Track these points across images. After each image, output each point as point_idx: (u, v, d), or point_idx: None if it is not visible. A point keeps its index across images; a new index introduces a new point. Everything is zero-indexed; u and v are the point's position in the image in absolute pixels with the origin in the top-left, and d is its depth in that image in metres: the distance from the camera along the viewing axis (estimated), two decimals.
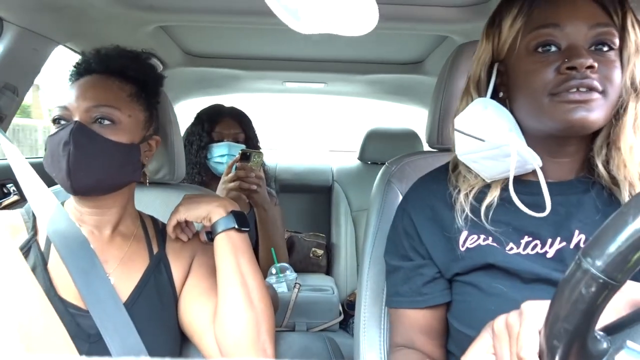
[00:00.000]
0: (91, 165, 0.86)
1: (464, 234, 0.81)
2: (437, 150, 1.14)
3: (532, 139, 0.77)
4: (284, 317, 1.71)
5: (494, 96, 0.81)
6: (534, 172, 0.75)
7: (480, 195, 0.81)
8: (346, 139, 3.57)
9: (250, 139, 1.89)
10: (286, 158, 2.72)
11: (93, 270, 0.87)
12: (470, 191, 0.81)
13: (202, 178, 1.86)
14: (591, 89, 0.69)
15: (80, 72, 0.95)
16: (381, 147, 2.49)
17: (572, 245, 0.75)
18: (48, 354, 0.80)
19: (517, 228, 0.78)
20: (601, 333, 0.46)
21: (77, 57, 1.01)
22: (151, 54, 1.04)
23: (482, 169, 0.79)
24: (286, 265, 1.78)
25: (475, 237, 0.80)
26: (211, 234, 0.95)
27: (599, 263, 0.41)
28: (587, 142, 0.78)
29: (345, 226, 2.38)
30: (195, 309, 0.94)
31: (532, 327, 0.51)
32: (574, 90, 0.69)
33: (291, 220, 2.29)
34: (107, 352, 0.83)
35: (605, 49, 0.72)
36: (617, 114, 0.73)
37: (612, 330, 0.47)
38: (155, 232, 1.01)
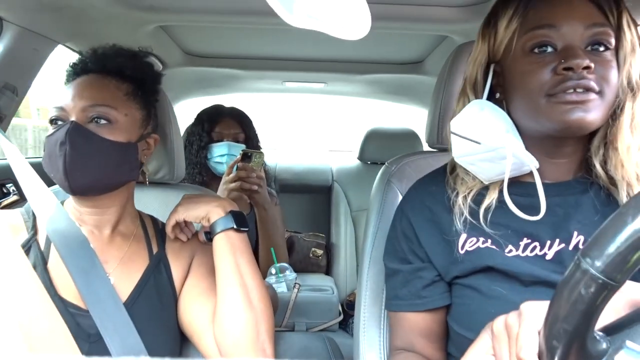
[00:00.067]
0: (88, 164, 0.86)
1: (463, 236, 0.80)
2: (436, 150, 1.14)
3: (529, 140, 0.77)
4: (283, 317, 1.70)
5: (491, 97, 0.81)
6: (531, 173, 0.75)
7: (479, 198, 0.80)
8: (346, 139, 3.56)
9: (250, 139, 1.89)
10: (286, 158, 2.72)
11: (93, 270, 0.87)
12: (469, 194, 0.81)
13: (203, 178, 1.86)
14: (588, 89, 0.69)
15: (77, 71, 0.95)
16: (381, 147, 2.49)
17: (571, 247, 0.75)
18: (50, 353, 0.80)
19: (516, 230, 0.78)
20: (600, 333, 0.46)
21: (75, 57, 1.01)
22: (149, 52, 1.04)
23: (479, 171, 0.79)
24: (286, 265, 1.78)
25: (474, 239, 0.80)
26: (210, 234, 0.95)
27: (598, 263, 0.41)
28: (584, 143, 0.78)
29: (344, 226, 2.38)
30: (194, 309, 0.94)
31: (532, 327, 0.51)
32: (571, 91, 0.69)
33: (291, 220, 2.29)
34: (107, 352, 0.83)
35: (602, 49, 0.72)
36: (614, 114, 0.73)
37: (612, 330, 0.47)
38: (154, 232, 1.01)
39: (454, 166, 0.86)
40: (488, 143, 0.74)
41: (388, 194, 1.08)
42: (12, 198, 1.47)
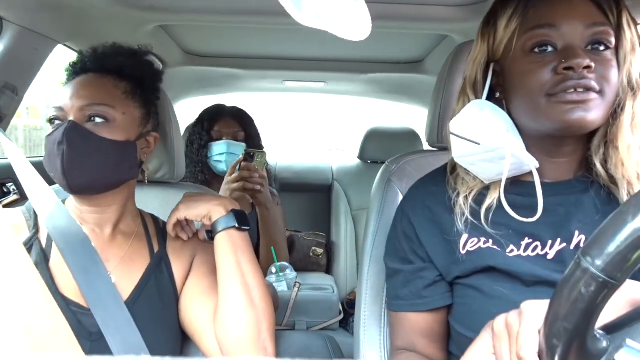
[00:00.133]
0: (85, 163, 0.86)
1: (464, 237, 0.80)
2: (437, 149, 1.14)
3: (530, 140, 0.77)
4: (284, 316, 1.71)
5: (491, 97, 0.80)
6: (531, 172, 0.75)
7: (480, 198, 0.80)
8: (346, 138, 3.57)
9: (250, 138, 1.89)
10: (286, 157, 2.72)
11: (94, 269, 0.87)
12: (470, 194, 0.81)
13: (205, 176, 1.87)
14: (588, 89, 0.69)
15: (76, 71, 0.95)
16: (381, 146, 2.49)
17: (572, 246, 0.75)
18: (52, 352, 0.80)
19: (517, 230, 0.77)
20: (601, 332, 0.46)
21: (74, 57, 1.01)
22: (148, 51, 1.04)
23: (479, 171, 0.79)
24: (286, 264, 1.78)
25: (476, 240, 0.79)
26: (212, 233, 0.95)
27: (598, 262, 0.41)
28: (584, 142, 0.78)
29: (345, 225, 2.39)
30: (195, 308, 0.94)
31: (532, 326, 0.51)
32: (572, 90, 0.69)
33: (291, 219, 2.29)
34: (108, 351, 0.83)
35: (602, 48, 0.72)
36: (615, 113, 0.73)
37: (612, 329, 0.47)
38: (156, 230, 1.02)
39: (454, 166, 0.86)
40: (487, 144, 0.74)
41: (388, 193, 1.08)
42: (13, 197, 1.48)
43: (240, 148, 1.83)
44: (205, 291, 0.95)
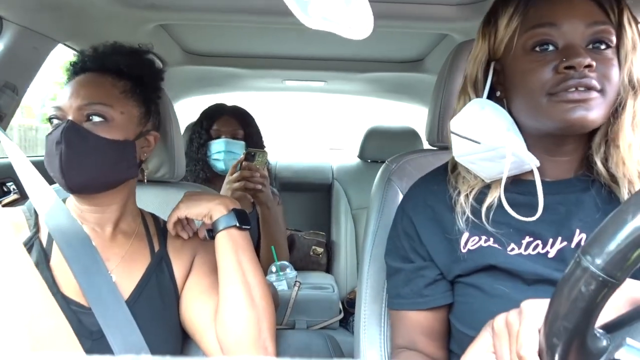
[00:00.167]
0: (83, 163, 0.86)
1: (465, 235, 0.80)
2: (437, 148, 1.14)
3: (530, 138, 0.77)
4: (284, 315, 1.71)
5: (491, 95, 0.80)
6: (532, 171, 0.75)
7: (480, 196, 0.80)
8: (346, 138, 3.57)
9: (250, 136, 1.89)
10: (286, 156, 2.72)
11: (95, 268, 0.87)
12: (470, 192, 0.81)
13: (206, 175, 1.87)
14: (590, 88, 0.69)
15: (76, 70, 0.95)
16: (381, 146, 2.49)
17: (573, 245, 0.75)
18: (53, 351, 0.80)
19: (518, 228, 0.78)
20: (601, 331, 0.46)
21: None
22: (149, 50, 1.04)
23: (480, 170, 0.79)
24: (286, 263, 1.78)
25: (477, 238, 0.80)
26: (212, 232, 0.95)
27: (598, 261, 0.41)
28: (585, 141, 0.78)
29: (345, 224, 2.39)
30: (196, 307, 0.95)
31: (532, 325, 0.51)
32: (573, 89, 0.69)
33: (291, 219, 2.30)
34: (109, 350, 0.83)
35: (603, 47, 0.72)
36: (616, 112, 0.73)
37: (612, 328, 0.47)
38: (156, 229, 1.02)
39: (455, 165, 0.86)
40: (488, 142, 0.74)
41: (388, 192, 1.08)
42: (13, 196, 1.48)
43: (239, 147, 1.83)
44: (206, 290, 0.95)
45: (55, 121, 0.89)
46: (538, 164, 0.74)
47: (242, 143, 1.84)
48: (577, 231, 0.75)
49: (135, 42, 1.04)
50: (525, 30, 0.74)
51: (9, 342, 0.78)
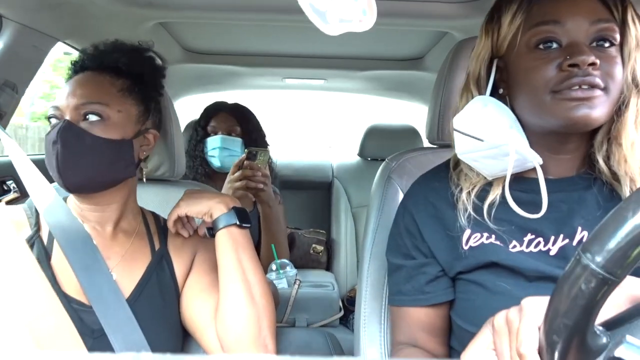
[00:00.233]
0: (80, 163, 0.86)
1: (467, 232, 0.81)
2: (437, 146, 1.14)
3: (533, 136, 0.77)
4: (284, 313, 1.71)
5: (494, 93, 0.80)
6: (534, 169, 0.75)
7: (483, 194, 0.80)
8: (346, 135, 3.57)
9: (247, 133, 1.88)
10: (286, 154, 2.72)
11: (96, 266, 0.87)
12: (472, 189, 0.81)
13: (205, 170, 1.87)
14: (593, 86, 0.69)
15: (76, 69, 0.95)
16: (381, 144, 2.49)
17: (574, 242, 0.75)
18: (56, 349, 0.81)
19: (520, 226, 0.78)
20: (600, 328, 0.46)
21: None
22: (149, 47, 1.03)
23: (482, 168, 0.79)
24: (286, 261, 1.78)
25: (479, 235, 0.80)
26: (212, 230, 0.95)
27: (598, 259, 0.41)
28: (587, 138, 0.78)
29: (345, 222, 2.39)
30: (197, 305, 0.95)
31: (532, 322, 0.51)
32: (576, 87, 0.69)
33: (291, 217, 2.30)
34: (110, 348, 0.83)
35: (607, 44, 0.72)
36: (619, 110, 0.73)
37: (612, 325, 0.47)
38: (157, 228, 1.02)
39: (457, 162, 0.86)
40: (491, 140, 0.74)
41: (388, 190, 1.08)
42: (13, 195, 1.48)
43: (235, 143, 1.83)
44: (207, 288, 0.95)
45: (54, 121, 0.89)
46: (541, 162, 0.74)
47: (239, 140, 1.84)
48: (579, 229, 0.75)
49: (134, 40, 1.04)
50: (529, 27, 0.74)
51: (12, 339, 0.78)
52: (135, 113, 0.94)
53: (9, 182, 1.49)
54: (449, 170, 0.87)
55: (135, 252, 0.95)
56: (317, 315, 1.81)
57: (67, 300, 0.85)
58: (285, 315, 1.71)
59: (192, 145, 1.89)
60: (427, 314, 0.86)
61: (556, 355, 0.45)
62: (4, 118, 1.29)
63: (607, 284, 0.41)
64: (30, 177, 0.94)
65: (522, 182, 0.79)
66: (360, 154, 2.58)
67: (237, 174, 1.65)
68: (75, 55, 1.08)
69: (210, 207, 0.94)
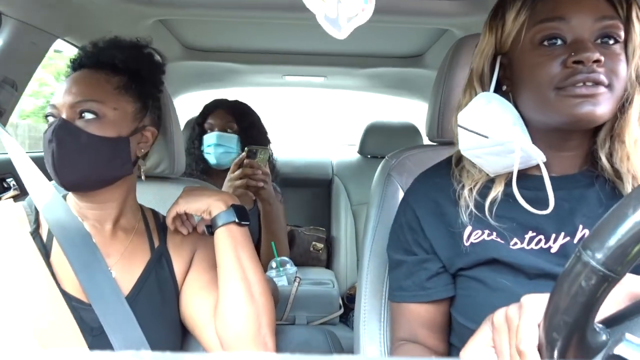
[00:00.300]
0: (75, 161, 0.86)
1: (468, 229, 0.81)
2: (437, 143, 1.14)
3: (536, 133, 0.77)
4: (284, 310, 1.71)
5: (497, 89, 0.80)
6: (537, 166, 0.75)
7: (485, 191, 0.80)
8: (346, 133, 3.56)
9: (244, 130, 1.87)
10: (286, 152, 2.72)
11: (95, 264, 0.87)
12: (474, 186, 0.81)
13: (203, 167, 1.87)
14: (597, 83, 0.69)
15: (74, 67, 0.95)
16: (381, 141, 2.49)
17: (576, 240, 0.75)
18: (57, 344, 0.81)
19: (522, 223, 0.78)
20: (600, 325, 0.46)
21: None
22: (147, 44, 1.02)
23: (486, 164, 0.79)
24: (286, 259, 1.78)
25: (480, 232, 0.80)
26: (211, 228, 0.95)
27: (599, 256, 0.41)
28: (590, 136, 0.78)
29: (345, 220, 2.39)
30: (196, 303, 0.95)
31: (532, 319, 0.51)
32: (581, 84, 0.69)
33: (291, 214, 2.29)
34: (109, 346, 0.83)
35: (611, 42, 0.72)
36: (622, 108, 0.73)
37: (612, 322, 0.47)
38: (156, 225, 1.02)
39: (459, 158, 0.86)
40: (496, 137, 0.74)
41: (388, 187, 1.08)
42: (12, 192, 1.48)
43: (231, 140, 1.82)
44: (206, 286, 0.95)
45: (51, 119, 0.89)
46: (544, 159, 0.74)
47: (235, 136, 1.83)
48: (580, 227, 0.75)
49: (134, 37, 1.04)
50: (534, 24, 0.74)
51: (15, 334, 0.78)
52: (131, 110, 0.93)
53: (8, 180, 1.49)
54: (451, 167, 0.87)
55: (134, 249, 0.95)
56: (317, 312, 1.81)
57: (66, 298, 0.85)
58: (285, 313, 1.71)
59: (190, 142, 1.89)
60: (428, 310, 0.86)
61: (556, 352, 0.45)
62: (4, 115, 1.29)
63: (607, 281, 0.41)
64: (30, 174, 0.94)
65: (524, 179, 0.79)
66: (360, 152, 2.58)
67: (237, 172, 1.65)
68: (65, 52, 1.08)
69: (209, 205, 0.93)
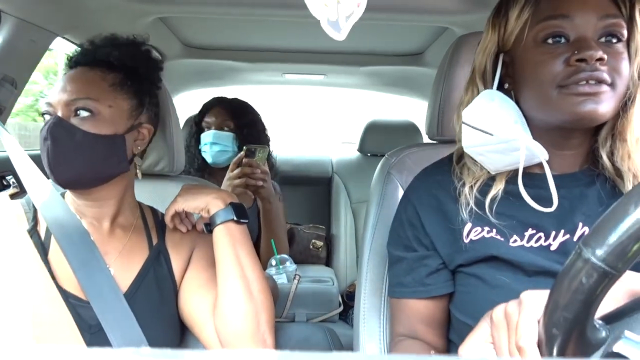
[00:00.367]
0: (70, 159, 0.86)
1: (468, 226, 0.81)
2: (437, 142, 1.14)
3: (537, 131, 0.77)
4: (283, 308, 1.71)
5: (499, 87, 0.80)
6: (538, 164, 0.75)
7: (485, 188, 0.81)
8: (346, 131, 3.56)
9: (241, 128, 1.86)
10: (286, 150, 2.72)
11: (93, 262, 0.87)
12: (475, 184, 0.81)
13: (200, 165, 1.87)
14: (600, 81, 0.69)
15: (70, 65, 0.95)
16: (381, 139, 2.49)
17: (575, 238, 0.75)
18: (54, 341, 0.81)
19: (521, 221, 0.78)
20: (600, 322, 0.46)
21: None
22: (144, 41, 1.02)
23: (488, 162, 0.79)
24: (286, 256, 1.78)
25: (479, 229, 0.80)
26: (210, 226, 0.95)
27: (599, 252, 0.41)
28: (591, 134, 0.78)
29: (344, 218, 2.39)
30: (195, 301, 0.95)
31: (531, 316, 0.51)
32: (583, 82, 0.69)
33: (291, 212, 2.30)
34: (107, 343, 0.83)
35: (614, 40, 0.72)
36: (624, 106, 0.73)
37: (611, 319, 0.47)
38: (154, 223, 1.01)
39: (460, 156, 0.86)
40: (501, 135, 0.74)
41: (388, 185, 1.08)
42: (12, 190, 1.47)
43: (227, 138, 1.82)
44: (205, 284, 0.95)
45: (47, 117, 0.89)
46: (547, 157, 0.74)
47: (231, 134, 1.82)
48: (580, 225, 0.75)
49: (132, 35, 1.03)
50: (537, 22, 0.74)
51: (12, 332, 0.78)
52: (127, 107, 0.93)
53: (8, 178, 1.49)
54: (452, 164, 0.87)
55: (132, 247, 0.95)
56: (317, 310, 1.81)
57: (64, 295, 0.85)
58: (284, 311, 1.71)
59: (188, 140, 1.89)
60: (427, 306, 0.87)
61: (555, 348, 0.45)
62: (3, 113, 1.29)
63: (607, 277, 0.41)
64: (28, 172, 0.94)
65: (525, 177, 0.79)
66: (360, 150, 2.58)
67: (236, 171, 1.65)
68: (55, 51, 1.07)
69: (207, 203, 0.93)
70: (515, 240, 0.77)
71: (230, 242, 0.92)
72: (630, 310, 0.47)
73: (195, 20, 1.78)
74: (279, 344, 1.00)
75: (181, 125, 1.59)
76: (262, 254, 1.77)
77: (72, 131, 0.86)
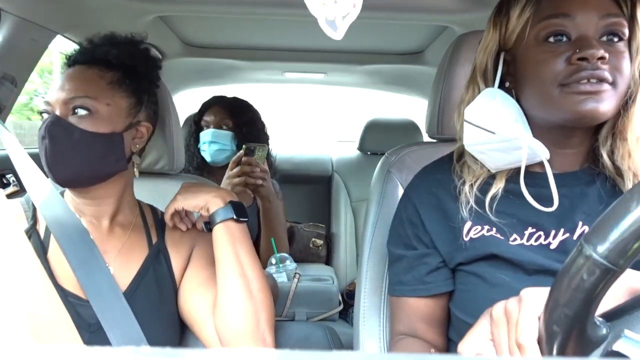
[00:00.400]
0: (68, 157, 0.86)
1: (468, 224, 0.81)
2: (436, 140, 1.14)
3: (538, 130, 0.77)
4: (283, 307, 1.71)
5: (500, 86, 0.80)
6: (539, 163, 0.75)
7: (485, 187, 0.81)
8: (346, 130, 3.56)
9: (239, 127, 1.86)
10: (286, 148, 2.72)
11: (92, 260, 0.87)
12: (475, 182, 0.81)
13: (200, 164, 1.87)
14: (602, 80, 0.69)
15: (69, 64, 0.95)
16: (381, 138, 2.49)
17: (575, 237, 0.75)
18: (53, 342, 0.81)
19: (521, 219, 0.78)
20: (600, 319, 0.46)
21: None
22: (143, 39, 1.02)
23: (489, 160, 0.79)
24: (286, 255, 1.78)
25: (479, 227, 0.80)
26: (210, 224, 0.94)
27: (601, 249, 0.41)
28: (592, 133, 0.78)
29: (344, 216, 2.39)
30: (195, 299, 0.95)
31: (532, 313, 0.51)
32: (585, 81, 0.69)
33: (291, 211, 2.29)
34: (107, 342, 0.83)
35: (615, 39, 0.72)
36: (625, 105, 0.73)
37: (612, 316, 0.47)
38: (154, 221, 1.01)
39: (460, 154, 0.86)
40: (503, 133, 0.74)
41: (388, 184, 1.08)
42: (12, 189, 1.47)
43: (226, 137, 1.82)
44: (204, 283, 0.95)
45: (45, 115, 0.89)
46: (548, 156, 0.74)
47: (229, 133, 1.82)
48: (580, 223, 0.75)
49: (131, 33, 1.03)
50: (538, 20, 0.74)
51: (11, 331, 0.78)
52: (125, 106, 0.93)
53: (8, 176, 1.48)
54: (452, 163, 0.87)
55: (132, 245, 0.95)
56: (317, 309, 1.81)
57: (63, 294, 0.85)
58: (284, 309, 1.71)
59: (188, 139, 1.89)
60: (427, 304, 0.87)
61: (556, 345, 0.45)
62: (3, 112, 1.29)
63: (608, 274, 0.41)
64: (27, 171, 0.94)
65: (526, 176, 0.79)
66: (360, 148, 2.58)
67: (235, 170, 1.64)
68: (51, 49, 1.07)
69: (207, 201, 0.93)
70: (515, 239, 0.77)
71: (230, 240, 0.92)
72: (631, 308, 0.47)
73: (196, 19, 1.78)
74: (278, 343, 1.00)
75: (181, 123, 1.59)
76: (262, 252, 1.77)
77: (70, 129, 0.86)
